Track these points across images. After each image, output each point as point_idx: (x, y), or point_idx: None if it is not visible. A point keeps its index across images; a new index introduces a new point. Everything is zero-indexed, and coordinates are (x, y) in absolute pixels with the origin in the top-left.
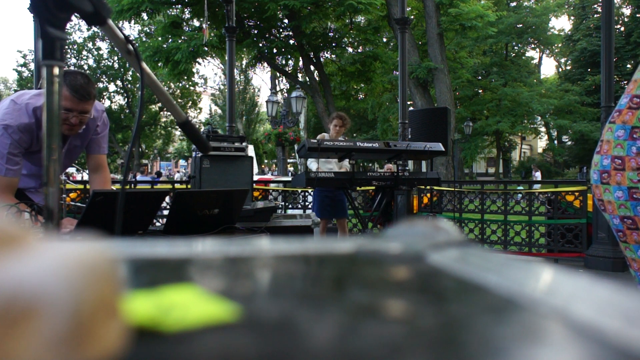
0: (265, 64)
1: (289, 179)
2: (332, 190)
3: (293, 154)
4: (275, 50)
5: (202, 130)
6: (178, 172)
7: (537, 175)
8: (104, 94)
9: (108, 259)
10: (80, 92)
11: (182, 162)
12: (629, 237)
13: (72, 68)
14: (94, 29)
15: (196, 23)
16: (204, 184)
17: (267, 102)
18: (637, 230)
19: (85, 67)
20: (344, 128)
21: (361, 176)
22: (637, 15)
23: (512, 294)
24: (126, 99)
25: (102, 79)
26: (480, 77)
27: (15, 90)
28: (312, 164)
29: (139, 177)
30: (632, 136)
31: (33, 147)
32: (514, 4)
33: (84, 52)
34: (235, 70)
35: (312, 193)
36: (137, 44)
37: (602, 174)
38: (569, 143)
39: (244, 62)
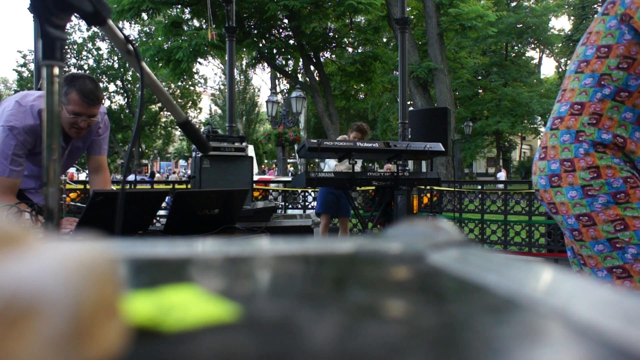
0: (265, 64)
1: (289, 179)
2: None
3: (293, 154)
4: (275, 51)
5: (202, 130)
6: (174, 172)
7: (501, 175)
8: (104, 94)
9: (108, 259)
10: (90, 97)
11: (182, 162)
12: (584, 234)
13: (72, 69)
14: (94, 29)
15: (196, 23)
16: (204, 184)
17: (267, 102)
18: (593, 226)
19: (85, 67)
20: (362, 140)
21: (361, 176)
22: None
23: (512, 294)
24: (126, 99)
25: (102, 79)
26: (480, 77)
27: (16, 91)
28: (330, 162)
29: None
30: (578, 139)
31: (36, 149)
32: (514, 4)
33: (84, 52)
34: (235, 70)
35: (311, 193)
36: (137, 44)
37: (552, 178)
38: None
39: (244, 62)
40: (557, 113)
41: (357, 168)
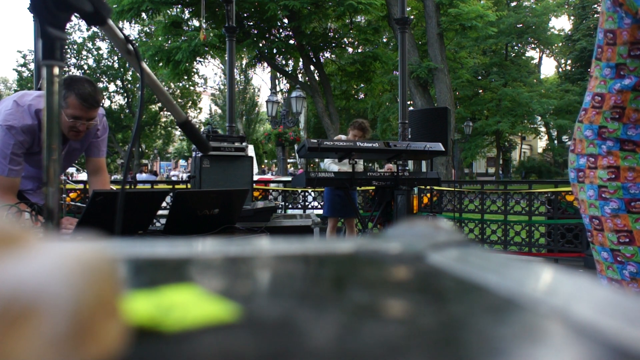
0: (265, 64)
1: (289, 179)
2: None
3: (293, 154)
4: (275, 51)
5: (202, 130)
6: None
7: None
8: (104, 94)
9: (108, 259)
10: (90, 100)
11: (182, 162)
12: (594, 238)
13: (72, 69)
14: (94, 29)
15: (196, 23)
16: (204, 184)
17: (267, 102)
18: (602, 232)
19: (85, 67)
20: (363, 138)
21: (361, 176)
22: None
23: (512, 294)
24: (126, 99)
25: (102, 79)
26: (480, 77)
27: (16, 91)
28: (332, 166)
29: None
30: (601, 136)
31: (33, 149)
32: (514, 4)
33: (84, 52)
34: (235, 70)
35: (311, 193)
36: (137, 44)
37: (579, 173)
38: (569, 143)
39: (244, 62)
40: (584, 103)
41: (360, 168)
